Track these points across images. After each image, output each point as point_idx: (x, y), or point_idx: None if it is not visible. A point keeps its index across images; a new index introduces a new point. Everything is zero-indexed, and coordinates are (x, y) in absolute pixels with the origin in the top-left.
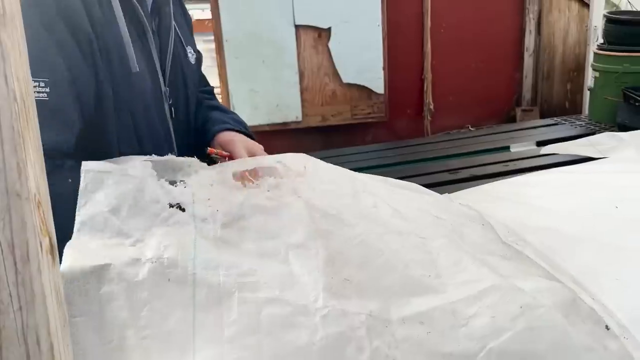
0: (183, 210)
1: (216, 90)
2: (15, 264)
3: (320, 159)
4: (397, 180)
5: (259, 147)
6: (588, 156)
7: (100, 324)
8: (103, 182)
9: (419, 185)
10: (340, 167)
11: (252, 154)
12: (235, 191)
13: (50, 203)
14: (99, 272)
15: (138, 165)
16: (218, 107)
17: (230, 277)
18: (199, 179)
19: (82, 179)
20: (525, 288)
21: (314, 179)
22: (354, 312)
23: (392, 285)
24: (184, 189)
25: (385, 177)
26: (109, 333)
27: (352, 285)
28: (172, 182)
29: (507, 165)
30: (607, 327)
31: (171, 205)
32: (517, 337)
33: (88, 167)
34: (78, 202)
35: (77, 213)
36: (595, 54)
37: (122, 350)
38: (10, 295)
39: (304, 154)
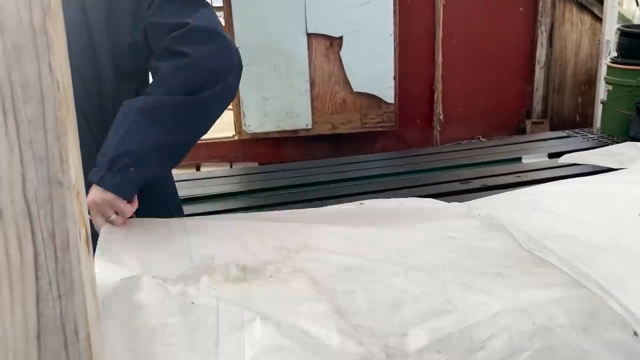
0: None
1: None
2: (55, 252)
3: (329, 166)
4: (413, 200)
5: (107, 206)
6: (604, 168)
7: (129, 328)
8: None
9: (436, 201)
10: (344, 226)
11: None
12: (239, 282)
13: (85, 194)
14: (131, 281)
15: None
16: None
17: (250, 310)
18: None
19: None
20: (542, 301)
21: (314, 251)
22: (370, 343)
23: (403, 319)
24: (184, 286)
25: (399, 201)
26: (136, 338)
27: (364, 329)
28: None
29: (519, 177)
30: (635, 334)
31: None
32: (535, 356)
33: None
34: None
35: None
36: (608, 67)
37: (149, 355)
38: (50, 284)
39: (305, 226)
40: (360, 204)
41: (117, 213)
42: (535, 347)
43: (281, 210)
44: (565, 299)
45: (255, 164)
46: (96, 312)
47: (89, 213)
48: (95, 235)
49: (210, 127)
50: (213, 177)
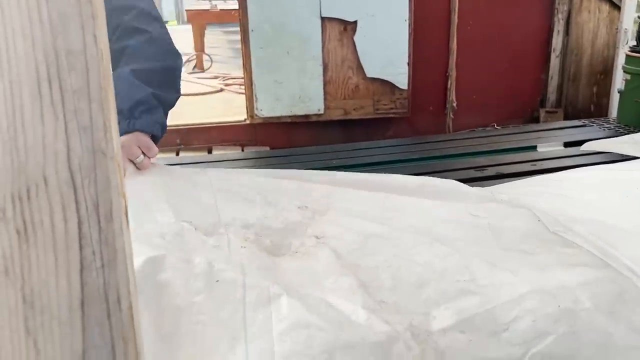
0: (220, 250)
1: (240, 81)
2: (99, 222)
3: (341, 152)
4: (436, 180)
5: (136, 145)
6: (624, 157)
7: (155, 308)
8: (141, 227)
9: (458, 183)
10: (368, 191)
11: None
12: (265, 254)
13: (122, 170)
14: (156, 260)
15: (174, 222)
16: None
17: (278, 284)
18: (233, 231)
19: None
20: (568, 284)
21: (337, 216)
22: (396, 322)
23: (427, 298)
24: (219, 237)
25: (423, 179)
26: (162, 317)
27: (388, 305)
28: (208, 234)
29: (534, 165)
30: None
31: (210, 245)
32: (559, 340)
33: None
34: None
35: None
36: (626, 55)
37: (175, 334)
38: (94, 253)
39: (331, 187)
40: (388, 175)
41: (143, 154)
42: (559, 331)
43: (306, 170)
44: (592, 280)
45: (267, 149)
46: (134, 284)
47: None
48: None
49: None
50: (225, 160)
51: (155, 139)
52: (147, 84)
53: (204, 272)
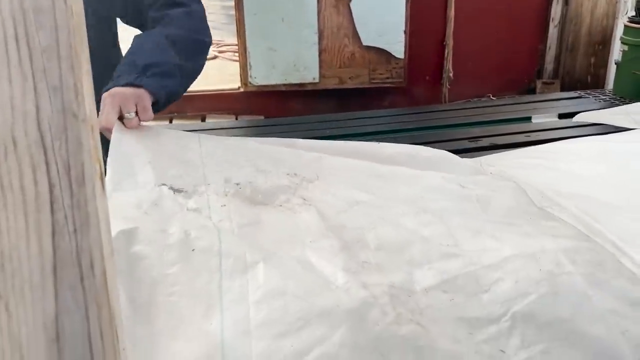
0: (200, 213)
1: (234, 48)
2: (70, 185)
3: (336, 121)
4: (428, 149)
5: (130, 96)
6: (618, 129)
7: (129, 281)
8: (122, 190)
9: (449, 154)
10: (358, 160)
11: (119, 107)
12: (248, 204)
13: (98, 129)
14: (129, 233)
15: (154, 187)
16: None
17: (254, 252)
18: (213, 190)
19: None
20: (551, 248)
21: (325, 183)
22: (374, 284)
23: (411, 258)
24: (198, 198)
25: (413, 148)
26: (137, 290)
27: (371, 265)
28: (188, 197)
29: (529, 136)
30: None
31: (188, 209)
32: (540, 300)
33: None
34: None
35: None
36: (625, 26)
37: (150, 307)
38: (66, 217)
39: (320, 155)
40: (376, 143)
41: (137, 115)
42: (540, 291)
43: (296, 139)
44: (575, 248)
45: (261, 118)
46: (111, 248)
47: (104, 107)
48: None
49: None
50: (218, 128)
51: (157, 105)
52: (175, 50)
53: (179, 242)
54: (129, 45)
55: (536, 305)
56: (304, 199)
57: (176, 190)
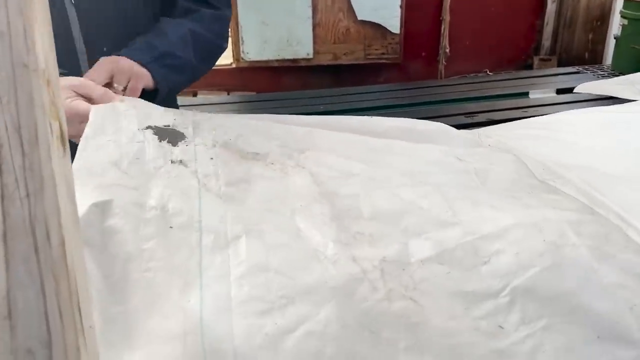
0: (185, 166)
1: None
2: (22, 145)
3: (330, 97)
4: (422, 122)
5: (128, 70)
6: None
7: (103, 256)
8: (104, 134)
9: (446, 126)
10: (351, 135)
11: (112, 74)
12: (238, 158)
13: (59, 85)
14: (103, 206)
15: (137, 132)
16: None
17: (237, 225)
18: (202, 140)
19: (88, 124)
20: (554, 219)
21: (319, 154)
22: (365, 258)
23: (407, 227)
24: (185, 147)
25: (409, 122)
26: (111, 265)
27: (364, 237)
28: (174, 144)
29: (526, 111)
30: None
31: (173, 162)
32: (542, 274)
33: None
34: (79, 145)
35: (76, 156)
36: (625, 0)
37: (124, 283)
38: (17, 181)
39: (313, 129)
40: (370, 117)
41: (124, 90)
42: (543, 264)
43: (287, 115)
44: (579, 220)
45: (253, 94)
46: (73, 217)
47: (97, 66)
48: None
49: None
50: (209, 103)
51: (153, 94)
52: (196, 49)
53: (157, 217)
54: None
55: (538, 279)
56: (297, 163)
57: (162, 137)
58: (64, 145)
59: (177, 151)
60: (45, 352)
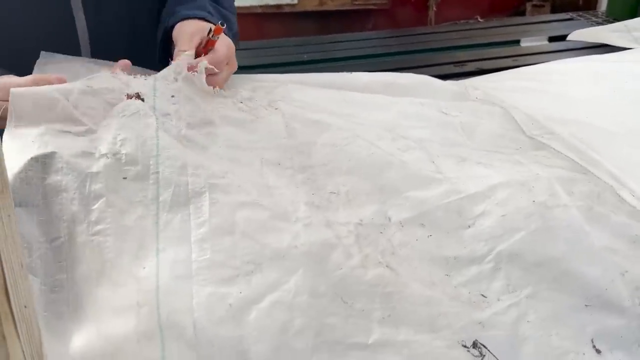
0: (142, 100)
1: None
2: None
3: (315, 45)
4: (409, 75)
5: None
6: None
7: (45, 217)
8: (53, 64)
9: (430, 78)
10: (328, 89)
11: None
12: (203, 95)
13: None
14: (44, 161)
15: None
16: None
17: (199, 177)
18: (162, 73)
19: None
20: (544, 176)
21: (292, 107)
22: (340, 223)
23: (388, 182)
24: (144, 80)
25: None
26: (55, 228)
27: (339, 197)
28: (132, 75)
29: (516, 60)
30: None
31: (129, 96)
32: (530, 238)
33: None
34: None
35: (11, 92)
36: None
37: (70, 247)
38: None
39: (280, 85)
40: (350, 73)
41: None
42: (531, 227)
43: (259, 74)
44: (572, 179)
45: None
46: None
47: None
48: None
49: None
50: None
51: None
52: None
53: (107, 167)
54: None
55: (525, 243)
56: (269, 104)
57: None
58: None
59: (135, 84)
60: None
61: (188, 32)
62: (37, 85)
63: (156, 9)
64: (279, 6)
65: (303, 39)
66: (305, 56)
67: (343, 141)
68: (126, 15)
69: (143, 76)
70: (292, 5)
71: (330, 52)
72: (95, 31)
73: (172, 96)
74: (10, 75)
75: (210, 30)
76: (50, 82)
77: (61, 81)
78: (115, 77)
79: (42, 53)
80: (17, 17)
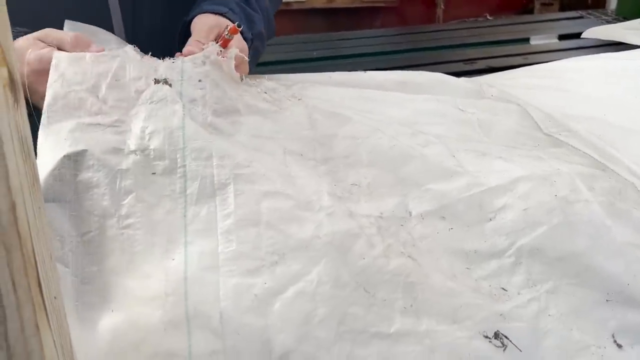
0: (170, 85)
1: None
2: None
3: (324, 42)
4: (419, 74)
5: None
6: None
7: (77, 212)
8: (79, 59)
9: (445, 76)
10: (344, 87)
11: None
12: (230, 81)
13: (9, 27)
14: (75, 158)
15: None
16: None
17: (224, 168)
18: (191, 57)
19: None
20: (566, 171)
21: (310, 87)
22: (362, 215)
23: (409, 175)
24: (172, 63)
25: (407, 75)
26: (86, 223)
27: (360, 189)
28: (159, 58)
29: (526, 58)
30: None
31: (156, 81)
32: (552, 232)
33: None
34: (50, 76)
35: (48, 88)
36: None
37: (101, 240)
38: None
39: (302, 84)
40: (364, 72)
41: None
42: (552, 222)
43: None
44: (592, 175)
45: None
46: (30, 179)
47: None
48: None
49: None
50: None
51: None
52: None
53: (136, 164)
54: None
55: (546, 238)
56: (293, 95)
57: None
58: (15, 95)
59: (162, 68)
60: None
61: (207, 24)
62: (78, 47)
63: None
64: (287, 3)
65: (312, 36)
66: (314, 53)
67: (364, 134)
68: (164, 18)
69: (171, 59)
70: (301, 2)
71: (339, 49)
72: (132, 32)
73: (200, 80)
74: (51, 29)
75: (227, 27)
76: (89, 47)
77: (99, 51)
78: (144, 62)
79: (67, 22)
80: (54, 14)
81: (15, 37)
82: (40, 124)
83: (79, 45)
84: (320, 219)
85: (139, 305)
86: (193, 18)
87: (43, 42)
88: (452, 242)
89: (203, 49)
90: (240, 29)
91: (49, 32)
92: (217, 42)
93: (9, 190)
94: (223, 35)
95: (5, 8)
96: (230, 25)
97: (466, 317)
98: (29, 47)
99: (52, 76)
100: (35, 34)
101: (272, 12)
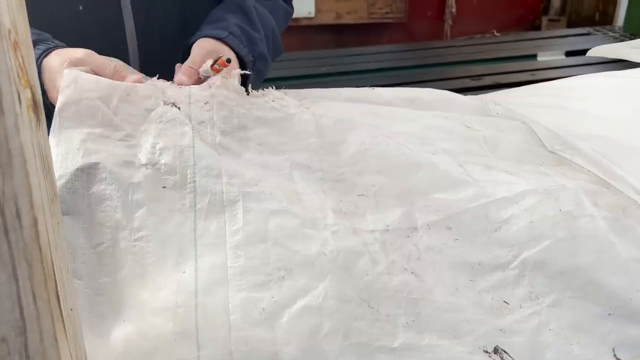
0: (178, 108)
1: None
2: None
3: (333, 58)
4: (426, 91)
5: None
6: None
7: (90, 225)
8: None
9: (451, 93)
10: (352, 102)
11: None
12: (236, 98)
13: (31, 48)
14: (88, 171)
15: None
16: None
17: (233, 185)
18: (197, 93)
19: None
20: (571, 187)
21: (323, 101)
22: (366, 230)
23: (416, 183)
24: (179, 88)
25: (415, 92)
26: (99, 235)
27: (367, 200)
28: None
29: (533, 75)
30: None
31: (165, 103)
32: (556, 246)
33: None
34: (63, 81)
35: (60, 93)
36: None
37: (113, 253)
38: None
39: (311, 100)
40: (372, 88)
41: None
42: (557, 236)
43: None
44: (597, 191)
45: None
46: (49, 194)
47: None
48: None
49: None
50: None
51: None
52: (274, 47)
53: (148, 177)
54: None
55: (551, 251)
56: (301, 103)
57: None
58: (37, 115)
59: (170, 92)
60: (19, 340)
61: (204, 49)
62: (115, 77)
63: (206, 15)
64: (296, 19)
65: (320, 52)
66: (323, 69)
67: (372, 140)
68: (176, 19)
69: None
70: (310, 18)
71: (347, 65)
72: (144, 33)
73: (206, 102)
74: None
75: (218, 59)
76: (124, 78)
77: (139, 81)
78: (152, 84)
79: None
80: (65, 16)
81: (46, 48)
82: (51, 128)
83: (117, 77)
84: (325, 236)
85: (151, 316)
86: (195, 41)
87: (82, 61)
88: (457, 253)
89: (199, 73)
90: (229, 64)
91: (91, 55)
92: (211, 67)
93: (31, 207)
94: (213, 64)
95: (29, 31)
96: (220, 58)
97: (467, 332)
98: (61, 68)
99: (65, 80)
100: (76, 54)
101: (280, 31)
